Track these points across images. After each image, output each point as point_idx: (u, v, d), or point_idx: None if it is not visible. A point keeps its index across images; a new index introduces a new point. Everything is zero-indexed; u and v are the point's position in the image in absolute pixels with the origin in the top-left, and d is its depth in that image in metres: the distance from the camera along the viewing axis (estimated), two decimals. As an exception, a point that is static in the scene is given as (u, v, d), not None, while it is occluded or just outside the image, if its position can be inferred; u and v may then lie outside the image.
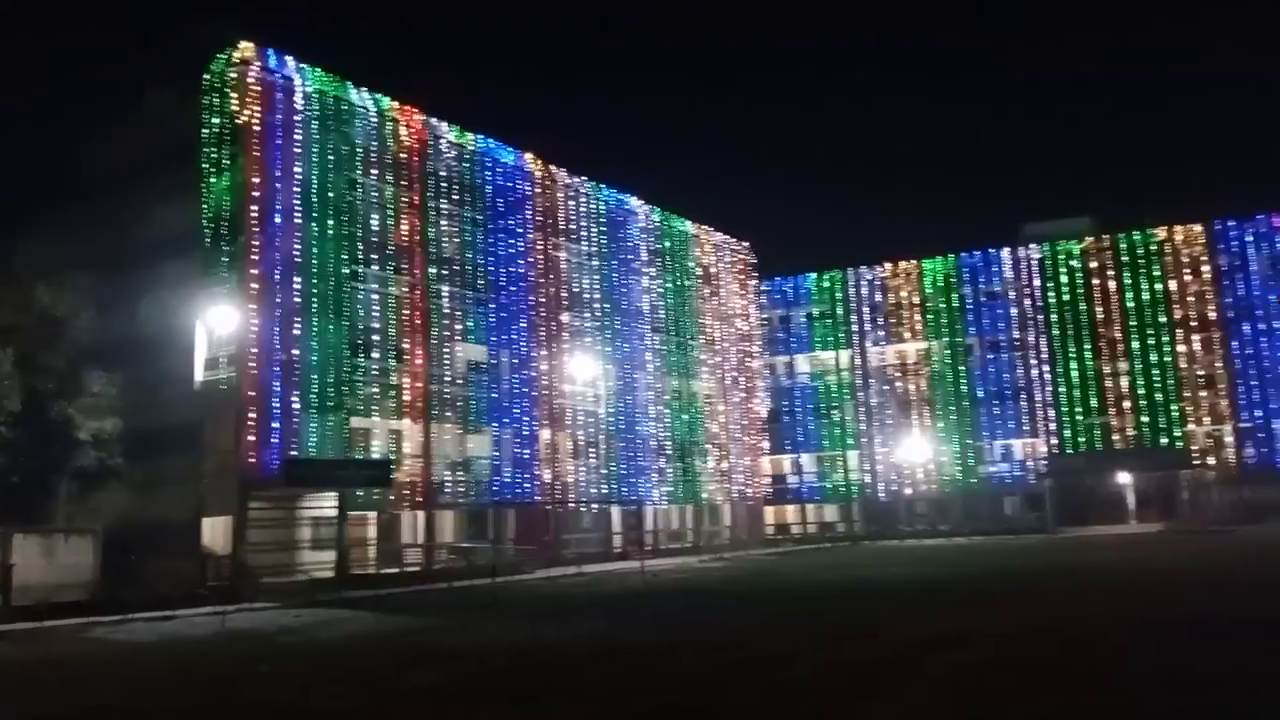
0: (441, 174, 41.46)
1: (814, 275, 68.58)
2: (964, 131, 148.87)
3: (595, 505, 47.09)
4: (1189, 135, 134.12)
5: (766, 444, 63.01)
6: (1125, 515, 56.27)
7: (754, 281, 63.60)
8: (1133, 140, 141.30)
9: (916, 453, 61.90)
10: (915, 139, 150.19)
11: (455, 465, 40.11)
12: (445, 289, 40.66)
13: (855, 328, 66.73)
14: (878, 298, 66.67)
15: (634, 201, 53.45)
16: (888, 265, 66.80)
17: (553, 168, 48.02)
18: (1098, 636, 12.56)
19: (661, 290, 54.15)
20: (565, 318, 46.79)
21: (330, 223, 36.04)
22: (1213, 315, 59.84)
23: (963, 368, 63.83)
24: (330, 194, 36.26)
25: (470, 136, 43.52)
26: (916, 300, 65.66)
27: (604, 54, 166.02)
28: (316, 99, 36.48)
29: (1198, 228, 61.01)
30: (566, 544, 41.79)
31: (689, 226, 57.43)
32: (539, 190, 46.88)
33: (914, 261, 66.26)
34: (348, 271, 36.59)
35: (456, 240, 41.77)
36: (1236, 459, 58.20)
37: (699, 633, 15.09)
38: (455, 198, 41.86)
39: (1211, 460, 58.22)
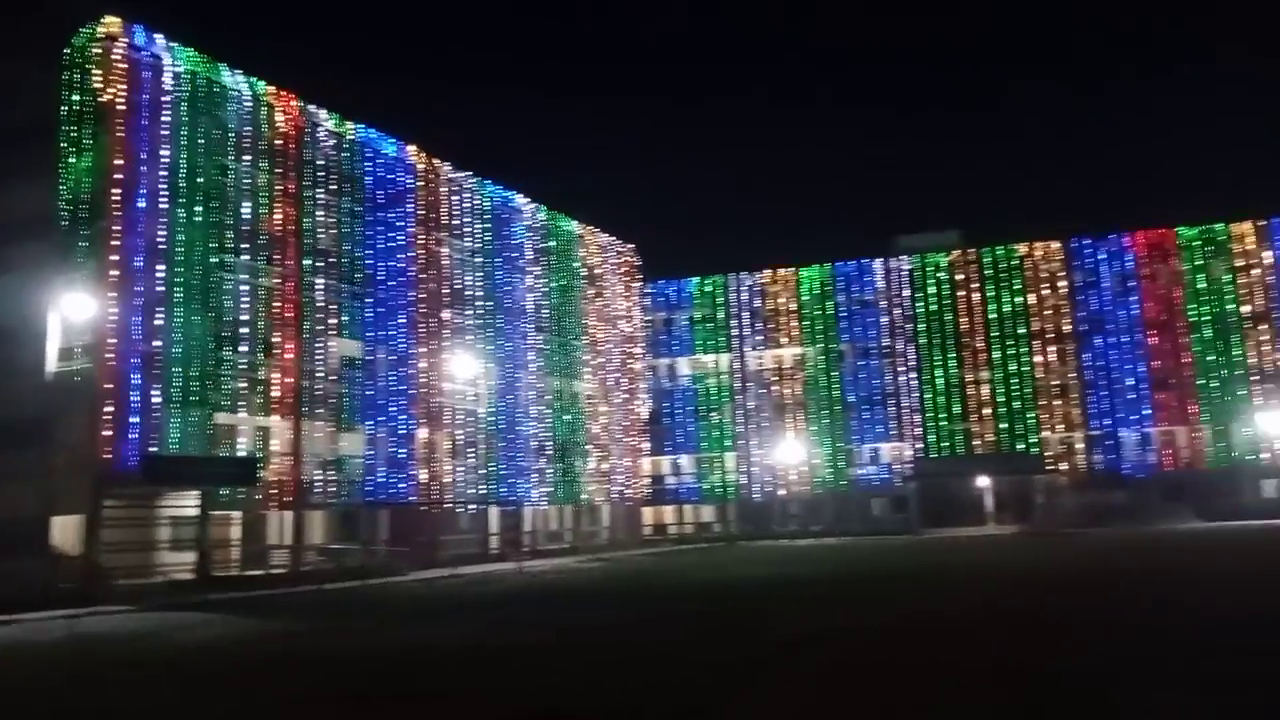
0: (319, 163, 40.22)
1: (696, 279, 69.58)
2: (846, 144, 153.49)
3: (473, 506, 46.51)
4: (1053, 155, 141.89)
5: (647, 445, 63.55)
6: (984, 517, 58.98)
7: (638, 284, 64.06)
8: (1002, 158, 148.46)
9: (791, 455, 63.49)
10: (798, 149, 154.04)
11: (326, 464, 38.96)
12: (320, 281, 39.46)
13: (735, 332, 68.00)
14: (757, 303, 68.10)
15: (519, 199, 53.08)
16: (768, 272, 68.32)
17: (436, 161, 47.22)
18: (961, 630, 13.13)
19: (546, 290, 53.94)
20: (446, 315, 46.07)
21: (198, 209, 34.53)
22: (1068, 328, 63.43)
23: (836, 373, 65.86)
24: (199, 179, 34.74)
25: (350, 125, 42.38)
26: (794, 307, 67.38)
27: (492, 50, 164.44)
28: (187, 80, 34.88)
29: (1056, 245, 64.55)
30: (443, 545, 41.09)
31: (575, 226, 57.41)
32: (422, 184, 46.02)
33: (792, 269, 67.95)
34: (216, 260, 35.12)
35: (333, 231, 40.60)
36: (1086, 465, 61.84)
37: (575, 633, 15.08)
38: (333, 188, 40.68)
39: (1064, 466, 61.70)
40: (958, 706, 8.05)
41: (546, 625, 16.52)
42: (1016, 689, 8.76)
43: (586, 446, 55.54)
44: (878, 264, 66.85)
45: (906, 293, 65.72)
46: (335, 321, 39.85)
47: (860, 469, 64.85)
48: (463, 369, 44.81)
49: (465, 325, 47.24)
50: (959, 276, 65.22)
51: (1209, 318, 61.57)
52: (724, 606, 18.46)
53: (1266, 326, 60.80)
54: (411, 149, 45.77)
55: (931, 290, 65.31)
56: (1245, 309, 61.22)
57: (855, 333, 66.29)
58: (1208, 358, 61.29)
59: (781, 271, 68.16)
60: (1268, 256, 61.49)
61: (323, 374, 38.86)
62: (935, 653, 11.16)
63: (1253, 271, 61.52)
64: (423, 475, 43.20)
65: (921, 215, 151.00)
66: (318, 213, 39.90)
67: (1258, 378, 60.29)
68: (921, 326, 65.13)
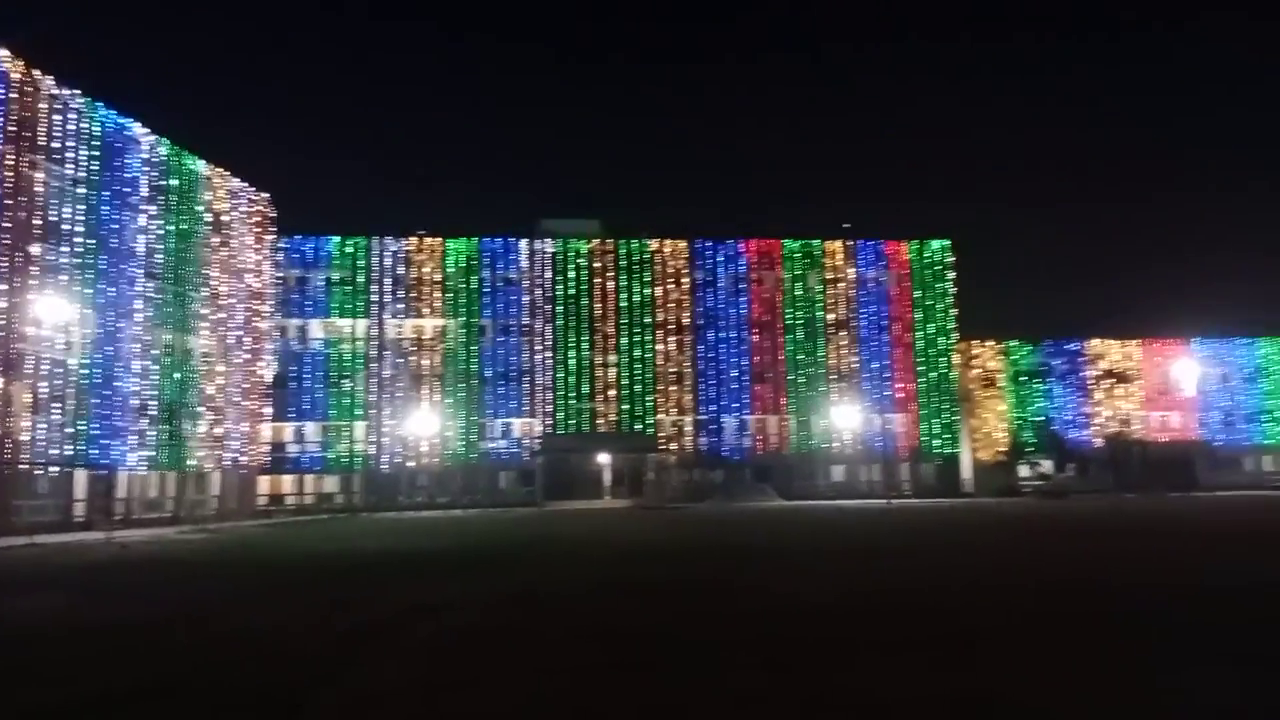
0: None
1: (337, 239, 66.70)
2: (504, 122, 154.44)
3: (56, 468, 41.14)
4: (687, 160, 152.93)
5: (269, 410, 59.96)
6: (602, 491, 62.64)
7: (271, 237, 60.09)
8: (645, 157, 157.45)
9: (424, 426, 63.07)
10: (454, 121, 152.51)
11: None
12: None
13: (375, 298, 66.10)
14: (400, 270, 66.70)
15: (137, 128, 47.59)
16: (413, 240, 67.13)
17: (37, 72, 40.98)
18: (565, 598, 13.93)
19: (162, 232, 48.98)
20: (36, 249, 40.29)
21: None
22: (687, 321, 69.05)
23: (475, 347, 66.41)
24: None
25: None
26: (438, 278, 66.87)
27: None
28: None
29: (682, 244, 69.93)
30: (16, 510, 35.94)
31: (201, 166, 52.58)
32: (16, 95, 39.76)
33: (439, 239, 67.36)
34: None
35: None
36: (693, 446, 67.83)
37: (166, 609, 13.97)
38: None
39: (674, 446, 67.21)
40: (565, 666, 8.64)
41: (141, 601, 15.15)
42: (611, 647, 9.55)
43: (199, 408, 51.28)
44: (523, 244, 68.28)
45: (548, 274, 67.81)
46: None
47: (492, 442, 66.02)
48: (52, 313, 39.41)
49: (59, 264, 41.62)
50: (597, 264, 68.48)
51: (802, 321, 69.98)
52: (340, 579, 18.03)
53: (846, 333, 70.33)
54: (3, 53, 39.35)
55: (571, 275, 67.96)
56: (831, 316, 70.37)
57: (497, 309, 67.24)
58: (798, 357, 69.70)
59: (428, 241, 67.34)
60: (852, 273, 71.08)
61: None
62: (548, 619, 11.79)
63: (839, 285, 70.84)
64: (-8, 431, 37.51)
65: (568, 202, 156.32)
66: None
67: (835, 377, 69.62)
68: (560, 308, 67.57)
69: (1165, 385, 73.49)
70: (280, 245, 63.86)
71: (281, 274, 64.58)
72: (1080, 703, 7.09)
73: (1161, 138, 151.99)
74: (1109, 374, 74.05)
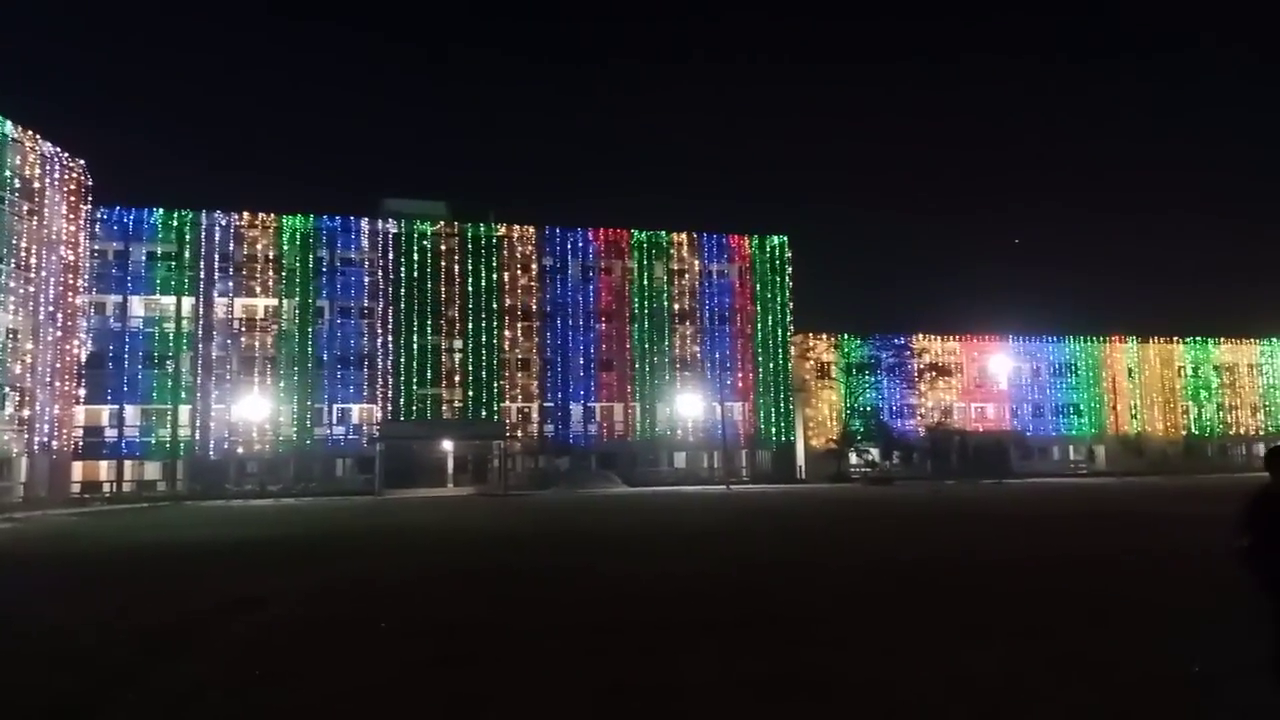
0: None
1: (161, 211, 62.89)
2: (339, 97, 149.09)
3: None
4: (538, 148, 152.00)
5: (83, 392, 56.16)
6: (445, 479, 61.74)
7: (87, 207, 56.13)
8: (494, 140, 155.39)
9: (254, 411, 60.46)
10: (294, 97, 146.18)
11: None
12: None
13: (203, 275, 62.76)
14: (231, 247, 63.54)
15: (-69, 84, 43.45)
16: (245, 215, 64.08)
17: None
18: (398, 588, 13.81)
19: (-40, 198, 44.97)
20: None
21: None
22: (534, 308, 68.77)
23: (311, 330, 64.04)
24: None
25: None
26: (272, 256, 64.10)
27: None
28: None
29: (531, 229, 69.55)
30: None
31: (8, 128, 48.61)
32: None
33: (274, 216, 64.57)
34: None
35: None
36: (539, 433, 67.72)
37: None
38: None
39: (520, 434, 66.93)
40: (389, 656, 8.64)
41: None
42: (438, 639, 9.58)
43: (4, 389, 47.54)
44: (364, 223, 66.28)
45: (391, 256, 66.11)
46: None
47: (328, 429, 63.88)
48: None
49: None
50: (443, 247, 67.25)
51: (648, 312, 70.93)
52: (152, 571, 17.23)
53: (690, 324, 71.75)
54: None
55: (415, 257, 66.49)
56: (676, 307, 71.59)
57: (336, 290, 65.05)
58: (644, 346, 70.63)
59: (262, 217, 64.42)
60: (697, 265, 72.54)
61: None
62: (374, 610, 11.68)
63: (685, 277, 72.17)
64: None
65: (416, 184, 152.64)
66: None
67: (679, 367, 70.94)
68: (403, 291, 65.99)
69: (983, 379, 78.59)
70: (99, 216, 59.76)
71: (100, 247, 60.49)
72: (873, 676, 7.65)
73: (991, 150, 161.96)
74: (932, 367, 78.54)
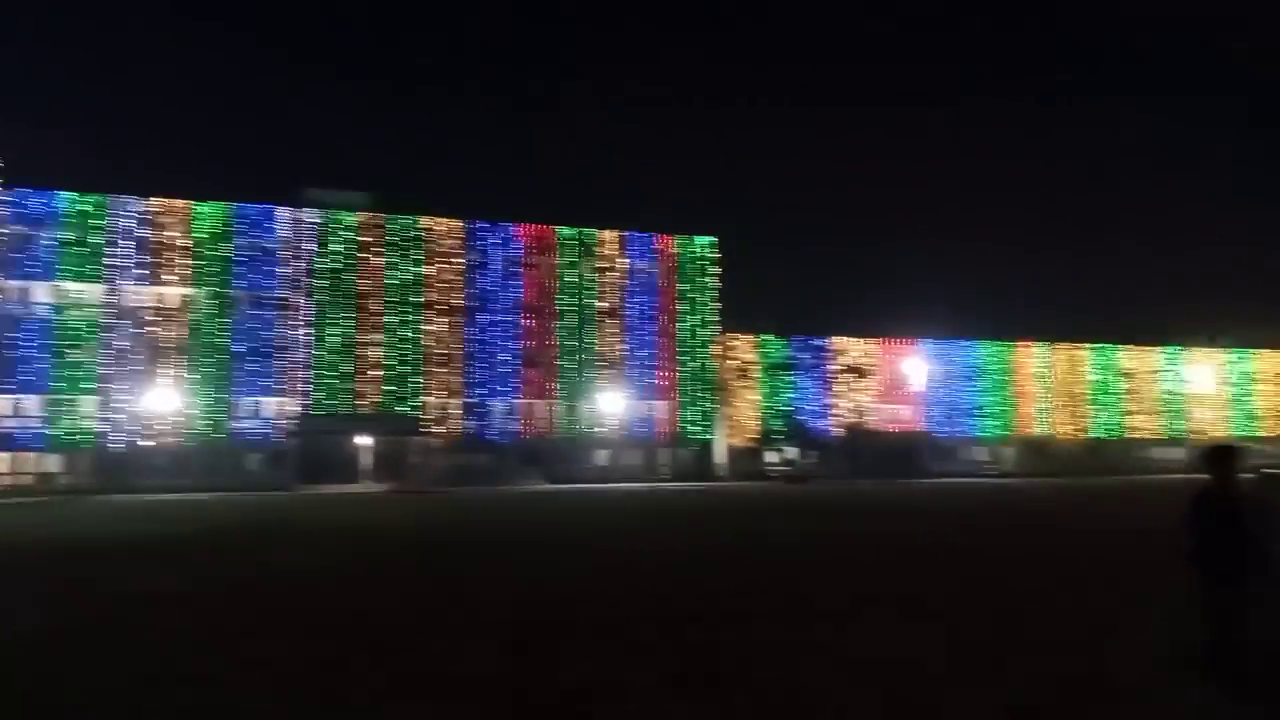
0: None
1: (69, 195, 60.83)
2: (261, 87, 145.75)
3: None
4: (467, 143, 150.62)
5: (-19, 381, 54.05)
6: (361, 475, 60.94)
7: (-12, 189, 54.03)
8: (418, 131, 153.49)
9: (164, 403, 58.90)
10: (212, 78, 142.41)
11: None
12: None
13: (112, 262, 60.89)
14: (143, 233, 61.75)
15: None
16: (158, 201, 62.32)
17: None
18: (276, 587, 13.72)
19: None
20: None
21: None
22: (457, 302, 68.26)
23: (225, 320, 62.59)
24: None
25: None
26: (186, 243, 62.50)
27: None
28: None
29: (457, 223, 68.99)
30: None
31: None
32: None
33: (188, 202, 62.94)
34: None
35: None
36: (460, 429, 67.25)
37: None
38: None
39: (439, 429, 66.37)
40: (246, 656, 8.67)
41: None
42: (318, 633, 9.65)
43: (-109, 376, 45.53)
44: (284, 212, 64.99)
45: (310, 246, 64.96)
46: None
47: (241, 422, 62.49)
48: None
49: None
50: (364, 239, 66.32)
51: (574, 308, 70.95)
52: (53, 566, 16.82)
53: (616, 322, 71.98)
54: None
55: (335, 248, 65.46)
56: (601, 304, 71.75)
57: (251, 280, 63.66)
58: (569, 342, 70.65)
59: (176, 203, 62.72)
60: (624, 263, 72.78)
61: None
62: (286, 602, 11.64)
63: (610, 274, 72.37)
64: None
65: (337, 173, 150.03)
66: None
67: (604, 364, 71.14)
68: (324, 283, 64.92)
69: (897, 381, 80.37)
70: (2, 199, 57.52)
71: (4, 230, 58.25)
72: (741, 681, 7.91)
73: (915, 158, 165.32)
74: (849, 369, 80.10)
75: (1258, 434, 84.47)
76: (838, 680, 7.86)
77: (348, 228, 65.95)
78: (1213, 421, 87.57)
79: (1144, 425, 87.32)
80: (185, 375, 61.02)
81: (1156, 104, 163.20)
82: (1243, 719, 6.83)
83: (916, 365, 78.83)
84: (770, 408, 77.55)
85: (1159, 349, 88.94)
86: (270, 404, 63.12)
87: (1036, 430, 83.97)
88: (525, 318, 69.89)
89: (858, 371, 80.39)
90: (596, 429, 70.27)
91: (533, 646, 9.27)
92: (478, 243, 69.39)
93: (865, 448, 73.70)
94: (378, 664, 8.56)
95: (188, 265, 62.17)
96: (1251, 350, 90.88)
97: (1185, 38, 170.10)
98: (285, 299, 64.10)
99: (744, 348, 78.09)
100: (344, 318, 65.02)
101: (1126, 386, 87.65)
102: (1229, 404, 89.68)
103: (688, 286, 74.00)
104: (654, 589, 13.40)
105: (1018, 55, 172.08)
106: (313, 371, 63.97)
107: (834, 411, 79.28)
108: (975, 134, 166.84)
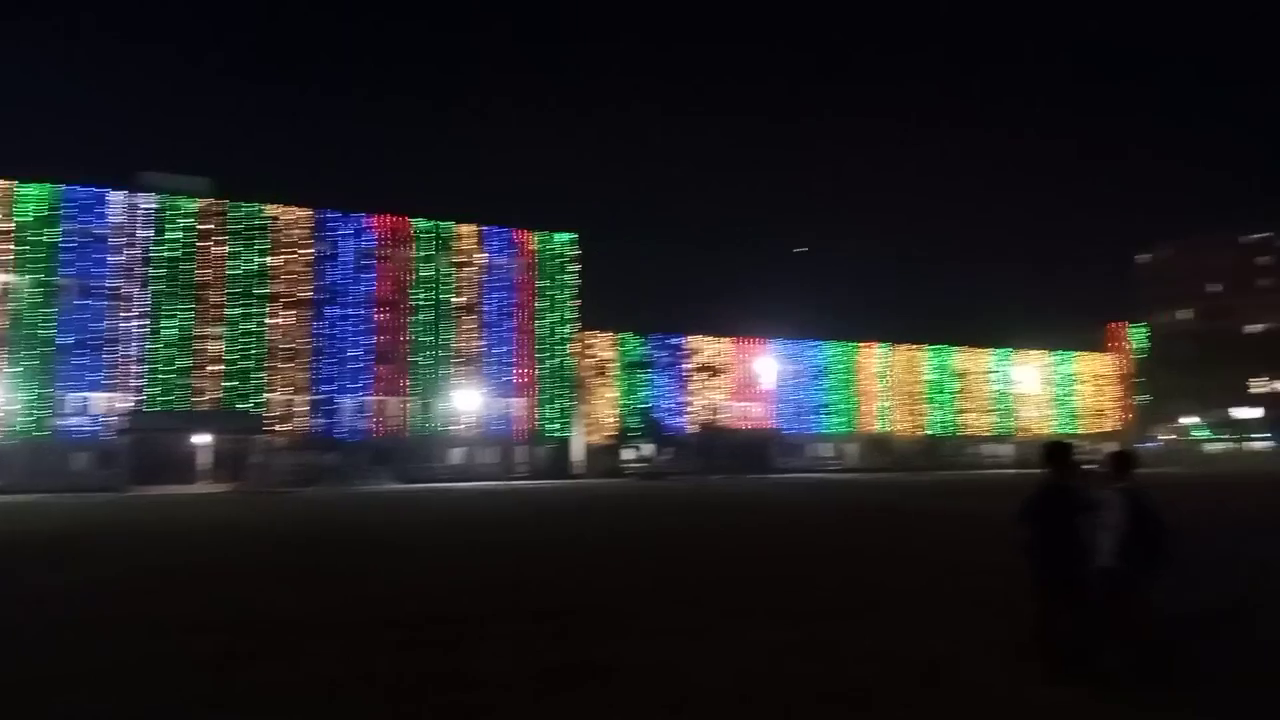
0: None
1: None
2: (97, 68, 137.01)
3: None
4: (323, 129, 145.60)
5: None
6: (198, 475, 58.19)
7: None
8: (260, 114, 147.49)
9: (-22, 398, 54.64)
10: (48, 59, 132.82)
11: None
12: None
13: (-81, 245, 56.09)
14: (-44, 216, 57.13)
15: None
16: (-29, 182, 57.76)
17: None
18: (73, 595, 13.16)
19: None
20: None
21: None
22: (306, 295, 66.04)
23: (50, 310, 58.63)
24: None
25: None
26: (7, 227, 58.26)
27: None
28: None
29: (307, 212, 66.74)
30: None
31: None
32: None
33: (10, 182, 58.66)
34: None
35: None
36: (306, 427, 65.08)
37: None
38: None
39: (284, 426, 64.03)
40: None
41: None
42: (159, 632, 9.39)
43: None
44: (118, 196, 61.38)
45: (145, 234, 61.59)
46: None
47: (66, 418, 58.61)
48: None
49: None
50: (205, 227, 63.36)
51: (430, 303, 69.78)
52: None
53: (474, 317, 71.21)
54: None
55: (173, 235, 62.29)
56: (458, 300, 70.85)
57: (80, 267, 59.85)
58: (423, 338, 69.43)
59: (-5, 183, 58.30)
60: (482, 258, 72.07)
61: None
62: (151, 605, 11.16)
63: (467, 269, 71.53)
64: None
65: (176, 157, 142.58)
66: None
67: (460, 360, 70.28)
68: (161, 271, 61.65)
69: (749, 379, 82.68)
70: None
71: None
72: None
73: (782, 156, 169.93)
74: (704, 368, 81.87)
75: (1078, 431, 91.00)
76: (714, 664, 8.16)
77: (187, 214, 62.83)
78: (1038, 420, 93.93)
79: (976, 423, 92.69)
80: (5, 368, 56.78)
81: (993, 119, 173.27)
82: (1058, 700, 7.02)
83: (767, 364, 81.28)
84: (628, 405, 78.39)
85: (991, 350, 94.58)
86: (99, 400, 59.44)
87: (878, 427, 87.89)
88: (378, 312, 68.29)
89: (712, 370, 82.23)
90: (452, 427, 69.34)
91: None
92: (328, 233, 67.34)
93: (718, 444, 75.47)
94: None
95: (9, 250, 57.89)
96: (1073, 353, 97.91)
97: (1011, 66, 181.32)
98: (118, 288, 60.52)
99: (603, 345, 78.65)
100: (182, 309, 61.92)
101: (960, 386, 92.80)
102: (1052, 403, 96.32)
103: (547, 283, 73.93)
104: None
105: (862, 70, 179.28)
106: (147, 366, 60.63)
107: (689, 409, 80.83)
108: (827, 145, 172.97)
